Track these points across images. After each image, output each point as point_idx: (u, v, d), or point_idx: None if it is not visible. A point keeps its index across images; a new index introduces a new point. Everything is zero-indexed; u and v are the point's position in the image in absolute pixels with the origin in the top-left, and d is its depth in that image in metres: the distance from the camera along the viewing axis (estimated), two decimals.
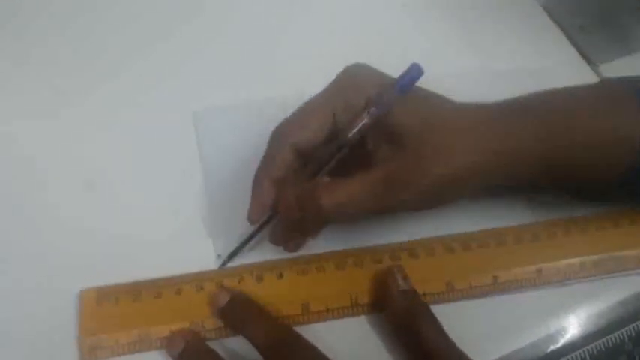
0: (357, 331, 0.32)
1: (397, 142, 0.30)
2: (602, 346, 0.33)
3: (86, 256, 0.33)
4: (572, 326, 0.33)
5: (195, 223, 0.35)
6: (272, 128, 0.32)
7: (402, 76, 0.29)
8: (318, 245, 0.34)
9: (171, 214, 0.35)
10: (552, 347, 0.32)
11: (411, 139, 0.29)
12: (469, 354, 0.31)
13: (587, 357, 0.32)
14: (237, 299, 0.31)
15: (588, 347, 0.33)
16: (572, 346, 0.32)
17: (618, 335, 0.33)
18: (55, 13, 0.43)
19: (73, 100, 0.39)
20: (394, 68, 0.30)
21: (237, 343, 0.30)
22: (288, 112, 0.35)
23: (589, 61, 0.44)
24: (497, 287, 0.33)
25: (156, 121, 0.38)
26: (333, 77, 0.32)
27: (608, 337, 0.33)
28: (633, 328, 0.33)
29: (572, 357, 0.32)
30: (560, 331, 0.33)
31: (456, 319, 0.32)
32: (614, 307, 0.33)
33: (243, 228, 0.33)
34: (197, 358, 0.30)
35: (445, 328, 0.31)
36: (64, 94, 0.39)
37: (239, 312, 0.31)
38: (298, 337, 0.29)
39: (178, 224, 0.35)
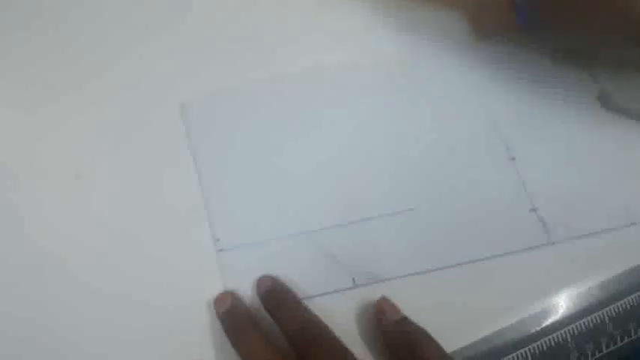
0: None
1: None
2: (583, 327, 0.33)
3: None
4: (554, 307, 0.34)
5: (189, 211, 0.35)
6: (266, 112, 0.33)
7: None
8: None
9: (165, 205, 0.35)
10: (535, 328, 0.33)
11: None
12: (451, 335, 0.32)
13: (569, 337, 0.33)
14: (278, 286, 0.32)
15: (569, 328, 0.33)
16: (554, 327, 0.33)
17: (599, 316, 0.34)
18: (43, 8, 0.43)
19: (56, 96, 0.39)
20: None
21: None
22: (281, 94, 0.37)
23: None
24: None
25: (142, 115, 0.38)
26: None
27: (589, 317, 0.34)
28: (614, 309, 0.34)
29: (554, 337, 0.33)
30: (542, 313, 0.33)
31: (438, 300, 0.33)
32: (595, 288, 0.34)
33: (243, 211, 0.34)
34: (239, 319, 0.31)
35: (427, 310, 0.32)
36: (51, 89, 0.39)
37: (276, 298, 0.32)
38: (326, 329, 0.30)
39: (173, 214, 0.35)
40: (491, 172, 0.36)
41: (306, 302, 0.32)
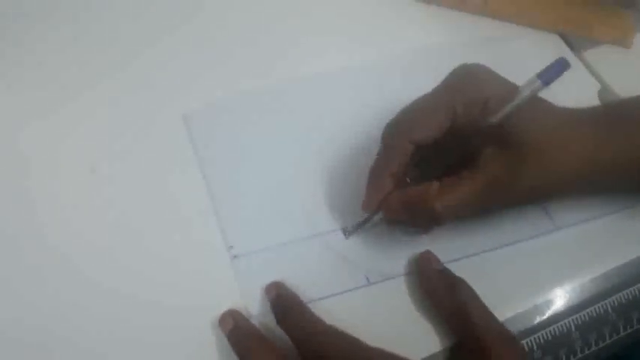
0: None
1: (504, 143, 0.31)
2: (586, 317, 0.34)
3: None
4: (558, 298, 0.34)
5: (200, 220, 0.35)
6: (270, 118, 0.34)
7: (549, 69, 0.30)
8: None
9: (176, 212, 0.35)
10: (538, 319, 0.34)
11: (517, 140, 0.31)
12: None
13: (573, 327, 0.34)
14: (284, 293, 0.32)
15: (573, 318, 0.34)
16: (557, 317, 0.34)
17: (602, 306, 0.34)
18: (53, 14, 0.44)
19: (72, 95, 0.39)
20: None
21: None
22: (283, 100, 0.37)
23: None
24: None
25: (148, 123, 0.38)
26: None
27: (592, 307, 0.34)
28: (617, 299, 0.34)
29: (557, 327, 0.33)
30: (546, 303, 0.34)
31: None
32: (599, 278, 0.35)
33: (253, 217, 0.35)
34: (243, 337, 0.31)
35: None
36: (66, 88, 0.40)
37: (282, 306, 0.32)
38: (334, 334, 0.30)
39: (184, 223, 0.35)
40: None
41: (321, 303, 0.33)
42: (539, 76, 0.30)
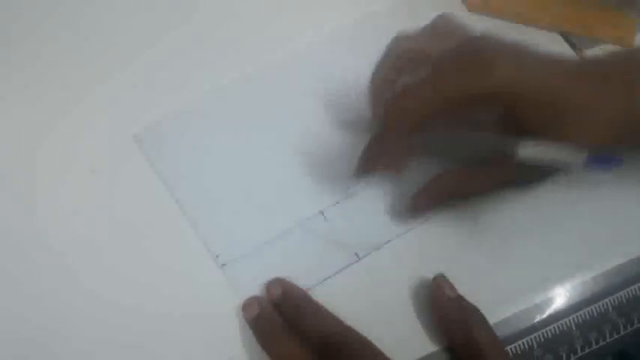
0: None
1: None
2: (587, 315, 0.34)
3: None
4: (558, 296, 0.34)
5: (181, 236, 0.34)
6: (223, 119, 0.36)
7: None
8: None
9: (156, 232, 0.34)
10: (539, 317, 0.34)
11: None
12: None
13: (573, 326, 0.34)
14: (292, 293, 0.32)
15: (574, 316, 0.34)
16: (558, 316, 0.34)
17: (603, 305, 0.34)
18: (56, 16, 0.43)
19: (73, 95, 0.38)
20: None
21: None
22: (231, 99, 0.37)
23: None
24: None
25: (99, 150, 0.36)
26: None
27: (593, 306, 0.34)
28: (617, 297, 0.34)
29: (559, 325, 0.33)
30: (547, 301, 0.34)
31: None
32: (599, 277, 0.35)
33: (231, 221, 0.34)
34: (268, 324, 0.31)
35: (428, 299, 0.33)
36: (67, 89, 0.39)
37: (293, 306, 0.31)
38: (352, 333, 0.30)
39: (167, 241, 0.34)
40: None
41: (317, 289, 0.33)
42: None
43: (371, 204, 0.35)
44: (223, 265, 0.33)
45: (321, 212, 0.35)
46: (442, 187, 0.33)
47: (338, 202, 0.35)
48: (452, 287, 0.32)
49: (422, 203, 0.34)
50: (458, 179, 0.33)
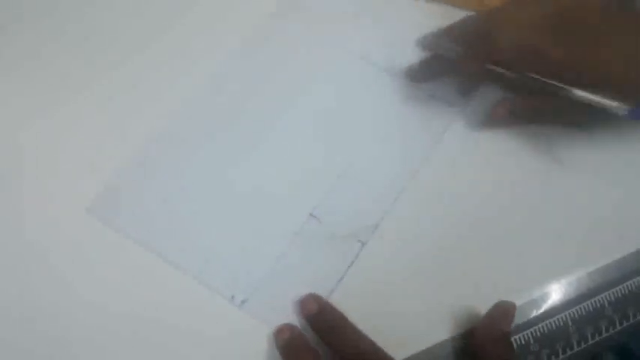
0: None
1: None
2: (583, 311, 0.34)
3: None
4: (554, 292, 0.34)
5: (187, 293, 0.33)
6: (172, 165, 0.35)
7: None
8: None
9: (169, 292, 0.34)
10: (535, 312, 0.34)
11: None
12: (451, 321, 0.33)
13: (569, 321, 0.34)
14: (327, 309, 0.32)
15: (570, 312, 0.34)
16: (554, 311, 0.34)
17: (598, 300, 0.34)
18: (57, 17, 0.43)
19: (68, 95, 0.38)
20: None
21: None
22: (174, 140, 0.35)
23: None
24: None
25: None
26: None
27: (588, 301, 0.34)
28: (613, 293, 0.35)
29: (554, 321, 0.34)
30: (543, 297, 0.34)
31: (440, 284, 0.34)
32: (595, 273, 0.35)
33: (229, 261, 0.34)
34: (298, 349, 0.31)
35: (431, 292, 0.33)
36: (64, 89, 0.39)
37: (327, 322, 0.32)
38: (384, 354, 0.30)
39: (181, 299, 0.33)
40: None
41: (336, 291, 0.33)
42: None
43: (352, 190, 0.35)
44: (242, 302, 0.33)
45: (311, 214, 0.35)
46: (513, 105, 0.36)
47: (322, 200, 0.35)
48: (506, 321, 0.31)
49: (499, 112, 0.36)
50: (524, 104, 0.36)
